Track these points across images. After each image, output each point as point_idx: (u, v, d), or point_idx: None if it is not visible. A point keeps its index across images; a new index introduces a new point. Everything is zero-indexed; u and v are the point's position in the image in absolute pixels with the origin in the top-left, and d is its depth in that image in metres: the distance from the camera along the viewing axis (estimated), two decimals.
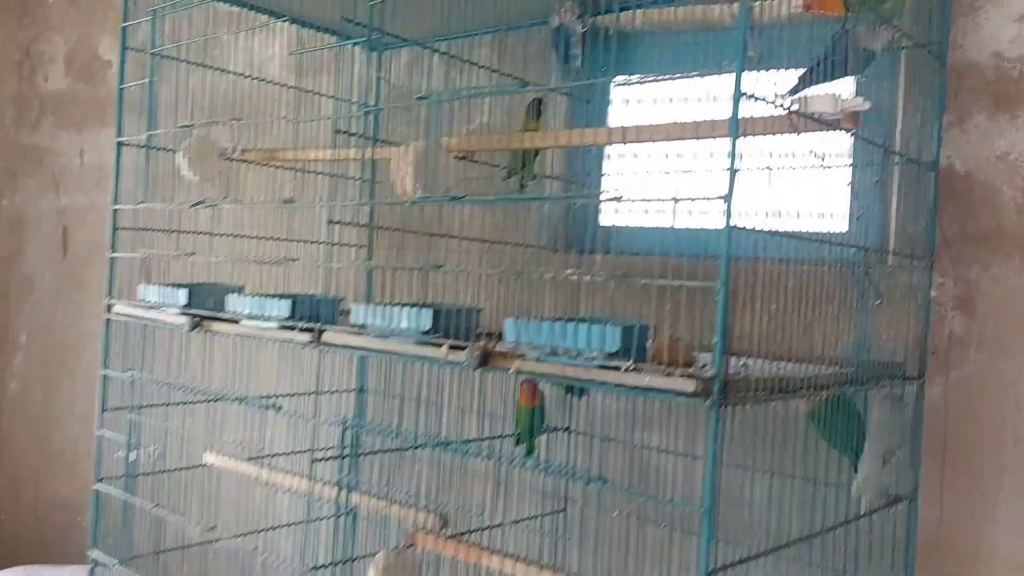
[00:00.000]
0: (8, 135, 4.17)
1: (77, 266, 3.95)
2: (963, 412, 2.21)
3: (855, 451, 1.73)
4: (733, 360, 1.73)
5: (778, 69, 1.37)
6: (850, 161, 1.63)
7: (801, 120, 1.27)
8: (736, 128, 1.16)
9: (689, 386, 1.18)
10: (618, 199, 1.25)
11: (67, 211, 4.00)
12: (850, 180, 1.65)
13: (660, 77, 1.35)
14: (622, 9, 2.26)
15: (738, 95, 1.14)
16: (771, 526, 1.78)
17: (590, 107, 2.61)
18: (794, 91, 1.70)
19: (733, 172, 1.12)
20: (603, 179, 2.64)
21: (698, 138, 1.36)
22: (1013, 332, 2.25)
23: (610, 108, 2.66)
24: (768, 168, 1.46)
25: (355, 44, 1.73)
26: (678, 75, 1.33)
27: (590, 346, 1.28)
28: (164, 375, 2.20)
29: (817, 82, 1.68)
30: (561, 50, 2.21)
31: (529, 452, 2.12)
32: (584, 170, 2.61)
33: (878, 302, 1.57)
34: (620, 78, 2.05)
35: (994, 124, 2.27)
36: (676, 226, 1.27)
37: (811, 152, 1.44)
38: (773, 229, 1.27)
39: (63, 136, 4.01)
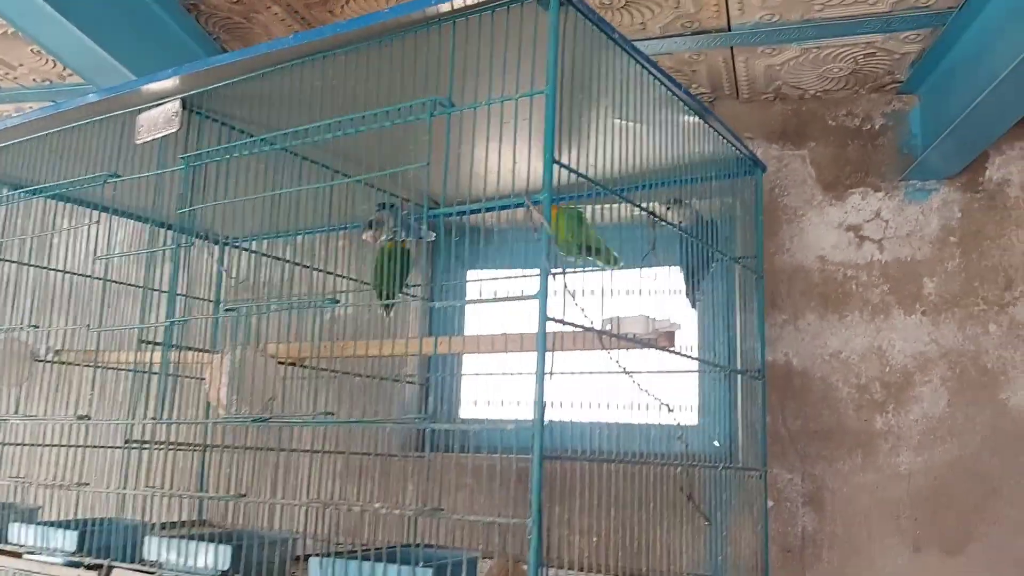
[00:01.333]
0: None
1: None
2: None
3: None
4: None
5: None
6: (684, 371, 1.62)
7: (613, 338, 1.25)
8: (544, 346, 1.12)
9: None
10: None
11: None
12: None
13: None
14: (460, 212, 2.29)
15: (544, 318, 1.11)
16: None
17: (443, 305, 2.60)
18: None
19: (541, 401, 1.07)
20: (459, 378, 2.59)
21: (507, 352, 1.32)
22: (862, 530, 2.24)
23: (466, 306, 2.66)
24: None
25: (164, 249, 1.66)
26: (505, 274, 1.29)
27: None
28: None
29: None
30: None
31: None
32: (437, 369, 2.55)
33: (706, 523, 1.51)
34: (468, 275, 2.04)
35: (825, 323, 2.36)
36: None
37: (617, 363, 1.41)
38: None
39: None
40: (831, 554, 2.25)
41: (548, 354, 1.12)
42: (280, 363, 1.63)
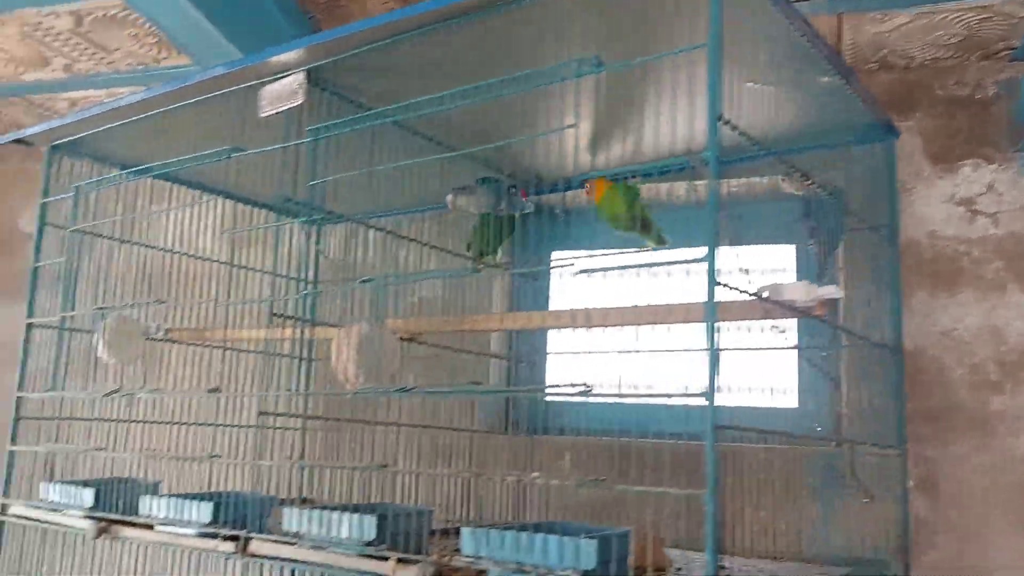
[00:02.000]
0: None
1: None
2: None
3: None
4: None
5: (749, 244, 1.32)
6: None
7: (774, 307, 1.21)
8: (713, 315, 1.08)
9: None
10: (588, 391, 1.14)
11: None
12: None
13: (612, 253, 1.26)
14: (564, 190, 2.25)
15: (712, 282, 1.07)
16: None
17: (534, 284, 2.57)
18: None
19: (714, 366, 1.03)
20: (547, 357, 2.56)
21: (671, 323, 1.28)
22: (978, 514, 2.17)
23: (552, 285, 2.62)
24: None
25: (295, 222, 1.66)
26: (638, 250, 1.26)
27: (562, 563, 1.13)
28: None
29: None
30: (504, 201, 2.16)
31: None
32: (529, 348, 2.53)
33: (866, 500, 1.46)
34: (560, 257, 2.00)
35: (936, 301, 2.28)
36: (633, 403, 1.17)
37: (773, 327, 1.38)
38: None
39: None
40: (945, 539, 2.18)
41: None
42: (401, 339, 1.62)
